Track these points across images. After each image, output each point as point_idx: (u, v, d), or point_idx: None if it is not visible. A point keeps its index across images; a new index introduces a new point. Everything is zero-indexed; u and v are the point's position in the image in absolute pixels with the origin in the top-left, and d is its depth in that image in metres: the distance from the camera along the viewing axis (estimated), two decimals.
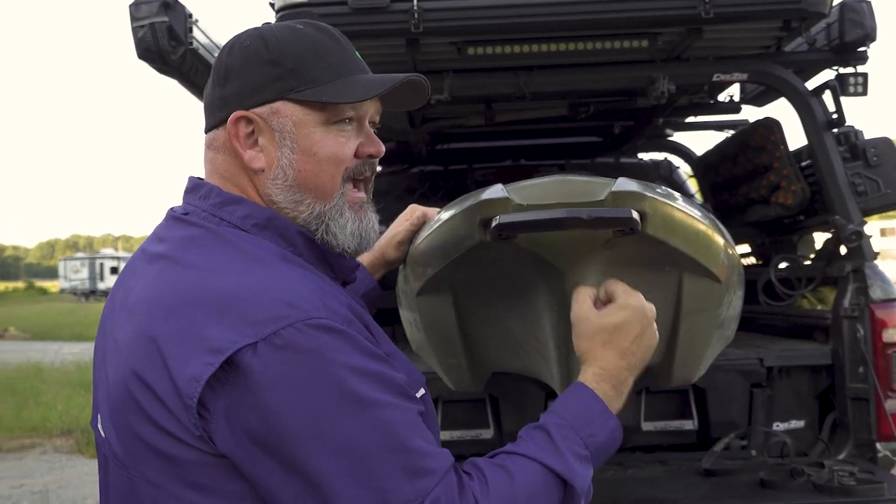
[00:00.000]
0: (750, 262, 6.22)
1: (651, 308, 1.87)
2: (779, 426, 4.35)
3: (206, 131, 1.77)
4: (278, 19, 4.00)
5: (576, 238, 1.99)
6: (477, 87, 4.52)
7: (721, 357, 4.20)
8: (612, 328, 1.79)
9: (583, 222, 1.87)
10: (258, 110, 1.69)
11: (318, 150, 1.70)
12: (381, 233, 2.00)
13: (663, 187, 2.27)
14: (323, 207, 1.72)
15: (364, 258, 2.45)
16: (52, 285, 74.49)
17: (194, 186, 1.76)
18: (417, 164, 6.69)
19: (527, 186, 2.04)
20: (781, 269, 5.02)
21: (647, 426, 4.37)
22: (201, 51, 4.12)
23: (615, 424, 1.70)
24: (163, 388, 1.47)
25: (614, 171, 6.51)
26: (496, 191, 2.03)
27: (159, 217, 1.82)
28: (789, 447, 4.00)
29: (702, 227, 2.25)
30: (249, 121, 1.69)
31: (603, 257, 2.07)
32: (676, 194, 2.34)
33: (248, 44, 1.73)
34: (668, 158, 6.96)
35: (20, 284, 77.14)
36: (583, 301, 1.87)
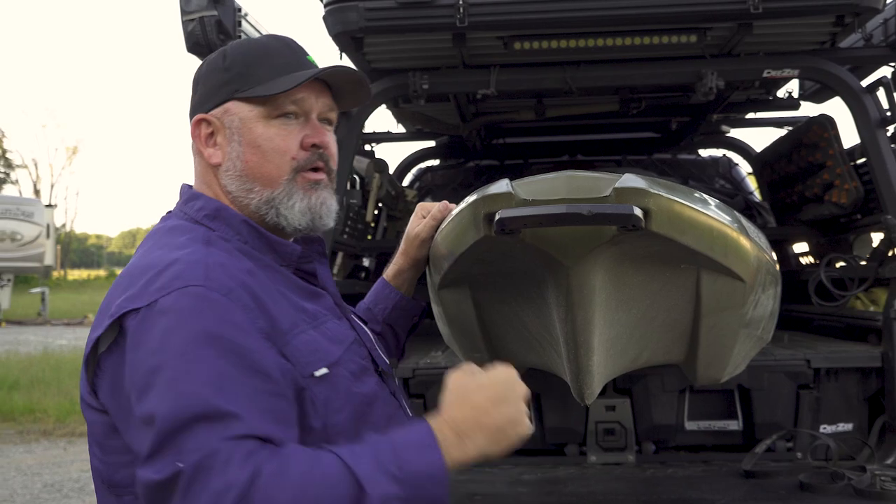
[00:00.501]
0: (808, 262, 6.11)
1: (523, 389, 1.80)
2: (826, 429, 4.27)
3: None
4: (327, 14, 4.05)
5: (580, 234, 1.99)
6: (523, 82, 4.51)
7: (767, 357, 4.17)
8: (474, 385, 1.76)
9: (583, 218, 1.87)
10: (214, 112, 1.91)
11: (262, 142, 1.87)
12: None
13: (680, 186, 2.25)
14: (271, 193, 1.88)
15: (389, 269, 2.57)
16: None
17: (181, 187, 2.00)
18: (473, 158, 6.70)
19: (532, 182, 2.05)
20: (833, 268, 4.92)
21: (690, 425, 4.33)
22: None
23: (437, 460, 1.63)
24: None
25: (671, 168, 6.47)
26: (501, 186, 2.04)
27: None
28: (833, 450, 3.93)
29: (717, 225, 2.23)
30: (208, 122, 1.91)
31: (610, 254, 2.06)
32: (697, 194, 2.32)
33: (213, 57, 1.96)
34: (727, 155, 6.87)
35: (102, 272, 78.86)
36: (464, 369, 1.84)
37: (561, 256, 2.06)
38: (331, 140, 1.97)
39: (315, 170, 1.93)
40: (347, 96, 2.02)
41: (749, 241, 2.45)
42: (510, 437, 1.74)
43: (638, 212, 1.92)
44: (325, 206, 1.95)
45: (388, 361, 2.19)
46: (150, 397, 1.55)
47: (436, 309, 2.84)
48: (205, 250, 1.76)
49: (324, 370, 1.80)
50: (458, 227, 2.22)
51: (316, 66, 1.95)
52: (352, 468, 1.55)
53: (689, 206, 2.11)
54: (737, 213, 2.54)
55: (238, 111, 1.88)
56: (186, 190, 1.97)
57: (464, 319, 2.64)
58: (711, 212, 2.22)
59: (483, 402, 1.72)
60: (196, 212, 1.89)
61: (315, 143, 1.92)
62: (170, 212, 1.98)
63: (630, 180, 1.99)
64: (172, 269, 1.68)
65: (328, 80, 1.96)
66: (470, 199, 2.16)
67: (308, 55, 1.98)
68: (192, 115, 1.95)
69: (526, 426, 1.77)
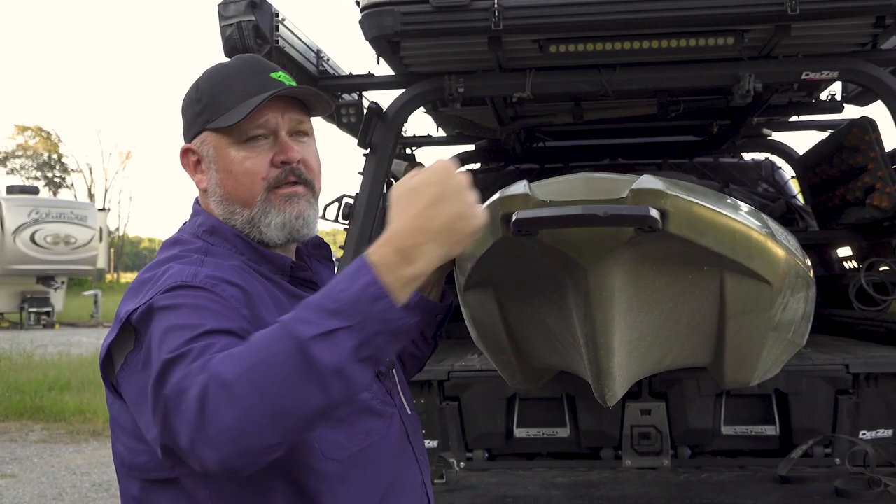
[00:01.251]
0: (851, 266, 6.04)
1: (462, 177, 1.69)
2: (865, 434, 4.22)
3: None
4: (363, 18, 4.08)
5: (598, 235, 2.00)
6: (559, 85, 4.50)
7: (804, 362, 4.14)
8: (408, 191, 1.67)
9: (599, 219, 1.88)
10: (194, 142, 2.04)
11: (233, 167, 1.97)
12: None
13: (703, 188, 2.25)
14: (250, 213, 1.98)
15: None
16: None
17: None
18: (513, 161, 6.70)
19: (550, 183, 2.06)
20: (875, 273, 4.86)
21: (727, 430, 4.30)
22: (287, 49, 4.23)
23: (371, 280, 1.57)
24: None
25: (712, 171, 6.43)
26: (519, 187, 2.05)
27: None
28: (871, 456, 3.88)
29: (738, 226, 2.22)
30: (193, 151, 2.05)
31: (629, 255, 2.07)
32: (720, 195, 2.31)
33: (190, 87, 2.07)
34: (770, 158, 6.81)
35: None
36: (404, 178, 1.76)
37: (579, 258, 2.06)
38: (303, 151, 2.02)
39: (290, 184, 1.99)
40: (316, 106, 2.07)
41: (776, 244, 2.44)
42: (463, 232, 1.67)
43: (655, 213, 1.92)
44: (302, 218, 2.01)
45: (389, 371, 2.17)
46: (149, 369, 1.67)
47: (463, 311, 2.86)
48: (200, 259, 1.89)
49: None
50: (478, 229, 2.24)
51: (281, 81, 2.01)
52: (287, 322, 1.56)
53: (708, 208, 2.10)
54: (764, 216, 2.53)
55: (211, 140, 2.00)
56: (194, 205, 2.10)
57: (488, 321, 2.65)
58: (733, 213, 2.21)
59: (421, 207, 1.63)
60: (197, 227, 2.02)
61: (284, 160, 1.98)
62: (182, 225, 2.11)
63: (647, 181, 1.99)
64: (168, 273, 1.81)
65: (293, 94, 2.01)
66: (489, 200, 2.18)
67: (275, 72, 2.04)
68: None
69: (477, 215, 1.70)
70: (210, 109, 1.98)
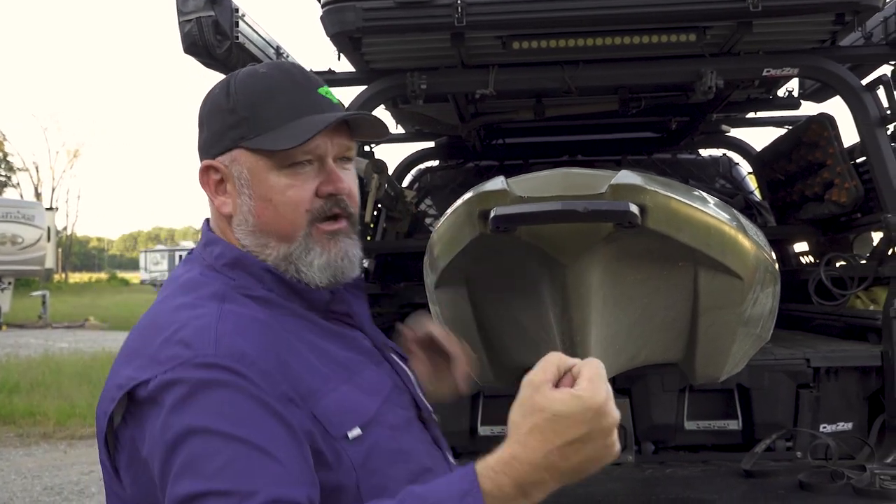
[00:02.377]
0: (808, 261, 6.10)
1: (616, 417, 1.44)
2: (826, 428, 4.26)
3: None
4: (324, 14, 4.04)
5: (576, 231, 1.98)
6: (522, 82, 4.50)
7: (766, 357, 4.16)
8: (550, 415, 1.42)
9: (578, 215, 1.87)
10: (221, 158, 1.75)
11: (273, 195, 1.71)
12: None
13: (677, 183, 2.25)
14: (288, 249, 1.73)
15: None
16: (134, 276, 76.08)
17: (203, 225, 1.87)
18: (473, 159, 6.69)
19: (528, 179, 2.04)
20: (833, 268, 4.91)
21: (690, 425, 4.31)
22: (247, 45, 4.17)
23: None
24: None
25: (671, 168, 6.46)
26: (496, 183, 2.04)
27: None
28: (833, 449, 3.91)
29: (714, 222, 2.22)
30: (216, 169, 1.76)
31: (607, 251, 2.06)
32: (695, 191, 2.31)
33: (216, 92, 1.78)
34: (727, 155, 6.86)
35: (103, 275, 78.89)
36: (543, 369, 1.53)
37: (557, 254, 2.05)
38: (349, 181, 1.80)
39: (333, 218, 1.77)
40: (366, 130, 1.87)
41: (748, 239, 2.45)
42: (590, 471, 1.46)
43: (634, 208, 1.92)
44: (347, 258, 1.80)
45: (430, 406, 1.98)
46: (173, 478, 1.46)
47: (433, 309, 2.83)
48: (218, 310, 1.63)
49: (357, 431, 1.64)
50: (453, 226, 2.21)
51: (328, 99, 1.79)
52: None
53: (686, 203, 2.10)
54: (735, 212, 2.54)
55: (246, 161, 1.73)
56: (206, 231, 1.83)
57: (461, 319, 2.63)
58: (709, 209, 2.21)
59: (560, 443, 1.40)
60: (215, 259, 1.76)
61: (331, 192, 1.75)
62: (191, 252, 1.85)
63: (626, 177, 1.98)
64: (180, 336, 1.57)
65: (358, 118, 1.82)
66: (465, 196, 2.15)
67: (321, 87, 1.80)
68: (200, 156, 1.80)
69: (614, 456, 1.46)
70: (247, 124, 1.72)
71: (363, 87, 4.54)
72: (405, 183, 6.83)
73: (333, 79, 4.71)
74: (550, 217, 1.90)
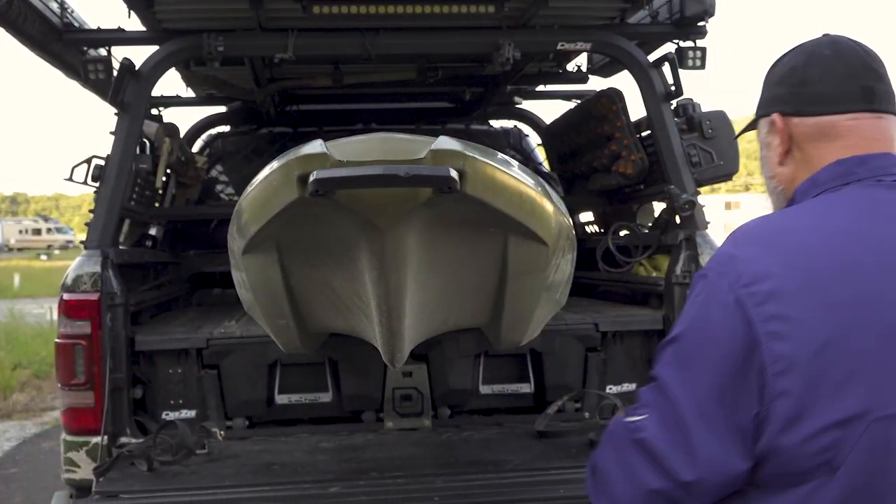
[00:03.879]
0: (594, 230, 6.34)
1: None
2: (612, 389, 4.46)
3: None
4: None
5: (396, 196, 1.98)
6: (322, 47, 4.45)
7: (558, 322, 4.30)
8: None
9: (400, 180, 1.86)
10: None
11: None
12: None
13: (491, 149, 2.28)
14: None
15: None
16: None
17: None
18: (266, 125, 6.57)
19: (347, 143, 2.02)
20: (620, 236, 5.13)
21: (484, 389, 4.42)
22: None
23: None
24: None
25: (464, 138, 6.54)
26: (315, 146, 2.00)
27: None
28: (619, 409, 4.10)
29: (526, 189, 2.27)
30: None
31: (424, 216, 2.07)
32: (506, 157, 2.35)
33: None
34: (518, 126, 7.03)
35: None
36: None
37: (376, 219, 2.04)
38: None
39: None
40: None
41: (553, 206, 2.51)
42: None
43: (454, 174, 1.93)
44: None
45: None
46: None
47: (238, 275, 2.77)
48: None
49: None
50: (268, 189, 2.16)
51: None
52: None
53: (502, 170, 2.13)
54: (541, 180, 2.60)
55: None
56: None
57: (269, 285, 2.59)
58: (521, 176, 2.25)
59: None
60: None
61: None
62: None
63: (446, 142, 1.99)
64: None
65: None
66: (282, 159, 2.11)
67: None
68: None
69: None
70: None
71: (156, 48, 4.36)
72: (195, 148, 6.64)
73: (122, 38, 4.50)
74: (372, 181, 1.89)
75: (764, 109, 1.87)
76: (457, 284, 2.50)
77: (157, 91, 6.03)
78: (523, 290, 2.65)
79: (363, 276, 2.24)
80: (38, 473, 7.59)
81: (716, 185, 4.65)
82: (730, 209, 39.09)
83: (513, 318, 2.78)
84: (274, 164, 2.14)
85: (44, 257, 54.14)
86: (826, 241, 1.61)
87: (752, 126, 1.95)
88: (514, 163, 2.37)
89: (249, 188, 2.32)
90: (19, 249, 71.57)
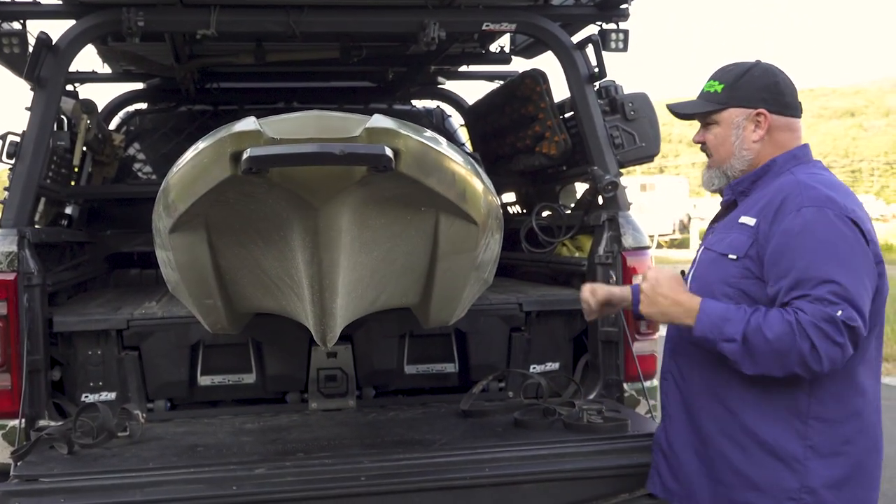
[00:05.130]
0: (516, 211, 6.38)
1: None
2: (536, 368, 4.50)
3: None
4: None
5: (330, 174, 1.97)
6: (246, 24, 4.38)
7: (483, 302, 4.33)
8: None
9: (335, 158, 1.86)
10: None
11: None
12: None
13: (424, 128, 2.28)
14: None
15: None
16: None
17: None
18: (185, 102, 6.47)
19: (281, 120, 2.00)
20: (543, 217, 5.16)
21: (409, 369, 4.44)
22: None
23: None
24: None
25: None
26: (248, 123, 1.98)
27: None
28: (544, 388, 4.14)
29: (458, 168, 2.27)
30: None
31: (358, 195, 2.06)
32: (437, 136, 2.35)
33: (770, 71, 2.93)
34: (440, 106, 7.02)
35: None
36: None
37: (310, 197, 2.03)
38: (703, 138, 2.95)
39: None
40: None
41: (483, 185, 2.52)
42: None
43: (389, 152, 1.92)
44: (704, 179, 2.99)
45: None
46: None
47: (163, 255, 2.73)
48: None
49: None
50: (198, 167, 2.13)
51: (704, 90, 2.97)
52: None
53: (435, 149, 2.13)
54: (472, 160, 2.60)
55: None
56: None
57: (196, 265, 2.55)
58: (453, 156, 2.26)
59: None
60: None
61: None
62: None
63: (380, 121, 1.98)
64: None
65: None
66: (214, 136, 2.07)
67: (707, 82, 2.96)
68: None
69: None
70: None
71: (73, 22, 4.25)
72: (113, 126, 6.50)
73: (37, 11, 4.39)
74: (307, 159, 1.87)
75: (746, 103, 2.82)
76: (388, 263, 2.50)
77: (72, 66, 5.94)
78: (453, 270, 2.66)
79: (295, 255, 2.23)
80: None
81: (631, 168, 4.73)
82: (645, 191, 39.63)
83: (442, 297, 2.78)
84: (205, 142, 2.11)
85: None
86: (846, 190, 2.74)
87: (716, 111, 2.86)
88: (445, 142, 2.38)
89: (177, 166, 2.28)
90: None
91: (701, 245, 2.99)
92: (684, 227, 39.51)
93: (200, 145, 2.13)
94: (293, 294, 2.41)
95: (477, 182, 2.42)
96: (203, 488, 3.27)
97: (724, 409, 2.80)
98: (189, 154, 2.20)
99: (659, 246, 38.54)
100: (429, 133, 2.20)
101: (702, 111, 2.90)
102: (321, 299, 2.24)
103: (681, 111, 2.92)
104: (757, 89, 2.83)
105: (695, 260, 2.98)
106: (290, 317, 2.65)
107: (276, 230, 2.25)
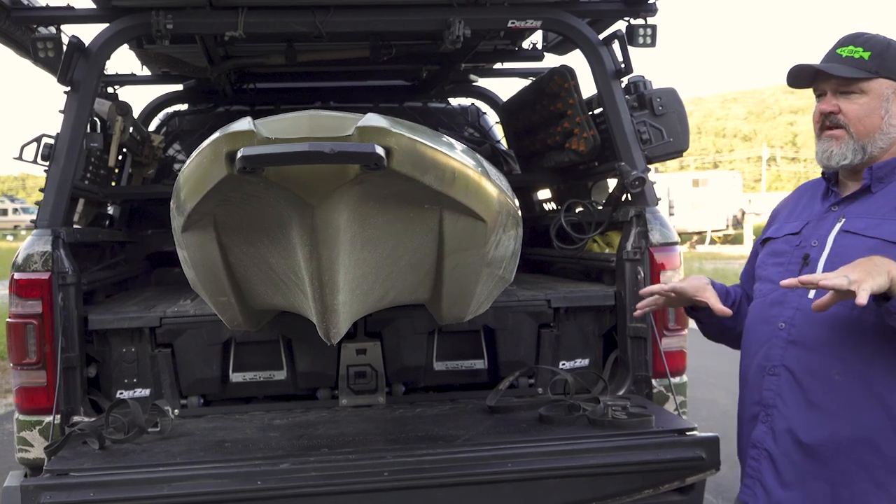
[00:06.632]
0: (550, 208, 6.38)
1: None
2: (565, 364, 4.50)
3: None
4: None
5: (324, 173, 2.00)
6: (272, 25, 4.42)
7: (511, 298, 4.34)
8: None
9: (325, 156, 1.88)
10: None
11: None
12: None
13: (423, 127, 2.30)
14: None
15: None
16: None
17: None
18: (223, 103, 6.55)
19: (275, 120, 2.04)
20: (573, 213, 5.16)
21: (438, 366, 4.46)
22: None
23: None
24: None
25: (422, 116, 6.56)
26: (243, 123, 2.02)
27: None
28: (570, 385, 4.14)
29: (458, 165, 2.29)
30: None
31: (354, 193, 2.09)
32: (438, 133, 2.37)
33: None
34: (476, 104, 7.04)
35: None
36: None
37: (305, 195, 2.06)
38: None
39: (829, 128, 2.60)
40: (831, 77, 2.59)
41: (490, 183, 2.54)
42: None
43: (380, 150, 1.95)
44: (827, 153, 2.62)
45: None
46: None
47: (181, 253, 2.78)
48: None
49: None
50: (200, 167, 2.17)
51: (838, 54, 2.62)
52: None
53: (431, 147, 2.15)
54: (480, 157, 2.62)
55: None
56: None
57: (209, 263, 2.60)
58: (453, 153, 2.27)
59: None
60: None
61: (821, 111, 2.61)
62: None
63: (372, 119, 2.01)
64: None
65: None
66: (212, 137, 2.12)
67: (841, 47, 2.63)
68: None
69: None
70: None
71: (105, 25, 4.34)
72: (152, 127, 6.61)
73: (72, 16, 4.48)
74: (298, 158, 1.91)
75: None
76: (394, 260, 2.52)
77: (113, 69, 6.06)
78: (462, 266, 2.68)
79: (296, 252, 2.26)
80: (1, 455, 7.56)
81: (684, 163, 4.70)
82: (698, 186, 39.28)
83: (453, 293, 2.80)
84: (204, 143, 2.15)
85: (10, 238, 53.56)
86: None
87: (866, 79, 2.57)
88: (452, 141, 2.39)
89: (185, 165, 2.33)
90: None
91: (807, 234, 2.67)
92: (738, 223, 39.10)
93: (202, 146, 2.18)
94: (299, 291, 2.45)
95: (482, 179, 2.43)
96: (228, 483, 3.33)
97: (882, 409, 2.46)
98: (193, 154, 2.25)
99: (712, 242, 38.16)
100: (427, 131, 2.22)
101: (852, 76, 2.56)
102: (322, 296, 2.27)
103: (830, 71, 2.56)
104: None
105: (822, 246, 2.61)
106: (299, 313, 2.69)
107: (278, 228, 2.29)
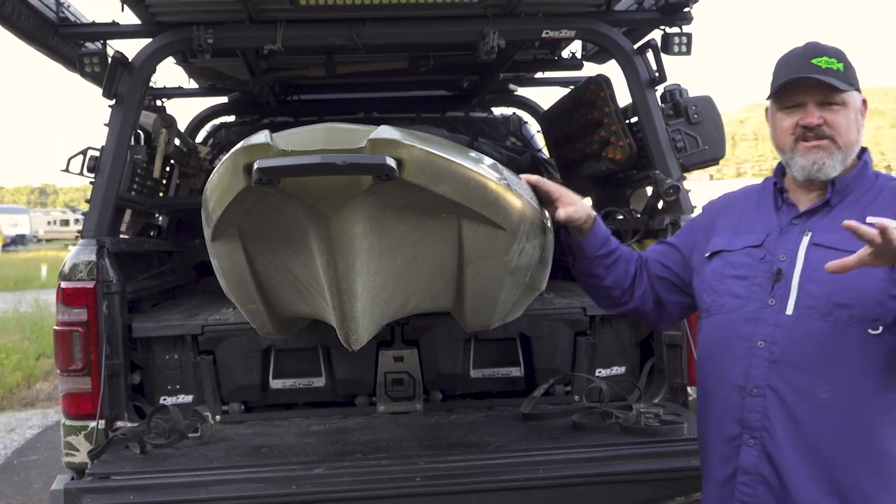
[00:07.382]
0: None
1: None
2: (601, 372, 4.51)
3: None
4: None
5: (338, 184, 2.06)
6: (310, 38, 4.51)
7: (547, 306, 4.37)
8: None
9: (337, 168, 1.94)
10: None
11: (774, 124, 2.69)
12: None
13: (438, 138, 2.35)
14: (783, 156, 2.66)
15: None
16: None
17: None
18: (267, 115, 6.66)
19: (292, 133, 2.10)
20: (611, 222, 5.16)
21: (475, 373, 4.49)
22: None
23: None
24: None
25: (464, 126, 6.61)
26: (260, 136, 2.08)
27: None
28: (604, 392, 4.16)
29: (473, 175, 2.33)
30: None
31: (369, 203, 2.14)
32: (455, 144, 2.41)
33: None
34: (517, 113, 7.07)
35: None
36: None
37: (320, 206, 2.12)
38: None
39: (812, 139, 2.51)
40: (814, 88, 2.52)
41: (511, 193, 2.57)
42: None
43: (391, 162, 2.00)
44: (818, 164, 2.51)
45: None
46: None
47: (213, 262, 2.85)
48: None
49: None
50: (223, 179, 2.25)
51: (816, 65, 2.52)
52: None
53: (443, 157, 2.20)
54: (501, 167, 2.65)
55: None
56: None
57: (237, 271, 2.67)
58: (467, 163, 2.31)
59: None
60: None
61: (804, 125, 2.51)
62: None
63: (384, 132, 2.06)
64: None
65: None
66: (232, 150, 2.19)
67: (815, 57, 2.53)
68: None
69: None
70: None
71: (148, 40, 4.45)
72: (199, 139, 6.74)
73: (117, 31, 4.60)
74: (310, 170, 1.97)
75: (859, 89, 2.57)
76: (413, 269, 2.57)
77: (161, 83, 6.20)
78: (484, 274, 2.72)
79: (316, 261, 2.33)
80: (57, 460, 7.72)
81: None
82: (713, 179, 38.76)
83: (476, 301, 2.84)
84: (226, 155, 2.23)
85: (71, 248, 54.45)
86: None
87: (846, 91, 2.52)
88: (469, 151, 2.44)
89: (210, 177, 2.41)
90: (48, 240, 72.14)
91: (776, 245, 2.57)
92: None
93: (224, 158, 2.25)
94: (321, 299, 2.51)
95: (501, 189, 2.47)
96: (263, 487, 3.41)
97: (875, 426, 2.42)
98: (217, 166, 2.32)
99: None
100: (442, 142, 2.27)
101: (839, 87, 2.49)
102: (341, 303, 2.33)
103: (824, 78, 2.47)
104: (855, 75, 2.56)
105: (792, 261, 2.51)
106: (324, 320, 2.74)
107: (298, 237, 2.35)
